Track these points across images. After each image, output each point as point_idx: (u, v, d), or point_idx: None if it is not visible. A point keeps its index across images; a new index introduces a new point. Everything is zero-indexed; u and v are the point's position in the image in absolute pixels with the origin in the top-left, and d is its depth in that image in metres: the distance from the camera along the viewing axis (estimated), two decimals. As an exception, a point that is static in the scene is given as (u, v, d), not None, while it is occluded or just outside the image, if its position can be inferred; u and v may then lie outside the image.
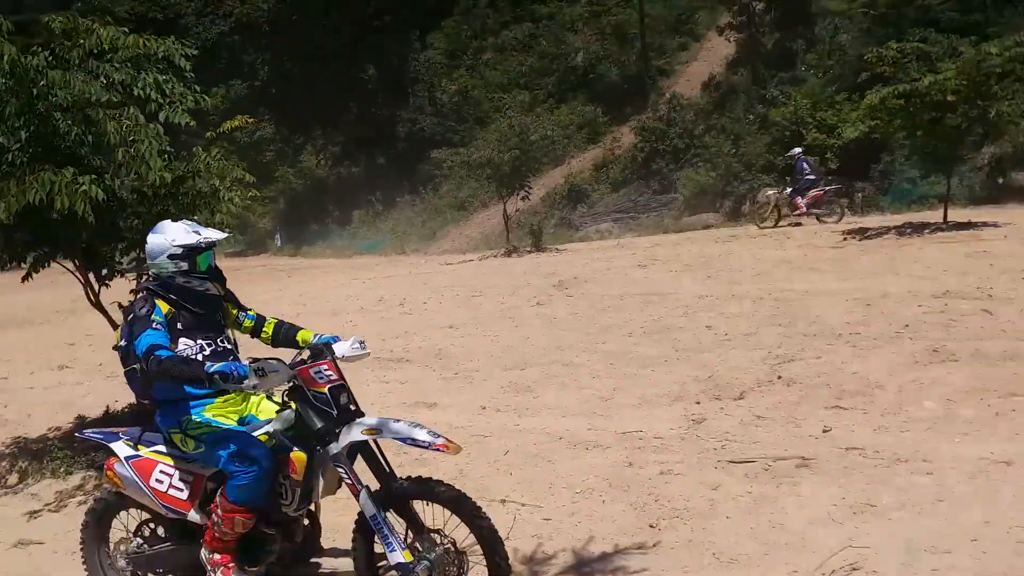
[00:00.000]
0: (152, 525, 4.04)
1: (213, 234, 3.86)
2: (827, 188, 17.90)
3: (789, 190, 17.73)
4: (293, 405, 3.62)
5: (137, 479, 3.78)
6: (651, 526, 4.42)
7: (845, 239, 14.12)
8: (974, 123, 13.75)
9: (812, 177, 17.77)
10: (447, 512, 3.47)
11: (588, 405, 6.70)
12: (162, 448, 3.83)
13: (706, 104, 26.98)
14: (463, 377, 8.09)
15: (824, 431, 5.49)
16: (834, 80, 23.00)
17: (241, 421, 3.75)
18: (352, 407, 3.60)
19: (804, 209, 17.50)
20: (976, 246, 11.78)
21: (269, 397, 3.91)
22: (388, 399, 7.52)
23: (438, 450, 3.42)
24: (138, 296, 3.79)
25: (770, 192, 18.31)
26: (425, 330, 10.55)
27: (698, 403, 6.41)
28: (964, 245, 12.03)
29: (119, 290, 6.17)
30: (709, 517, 4.45)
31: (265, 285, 18.67)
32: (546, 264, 16.34)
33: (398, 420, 3.54)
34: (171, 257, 3.73)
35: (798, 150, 18.67)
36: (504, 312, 11.28)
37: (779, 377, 6.77)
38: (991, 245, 11.70)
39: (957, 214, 14.89)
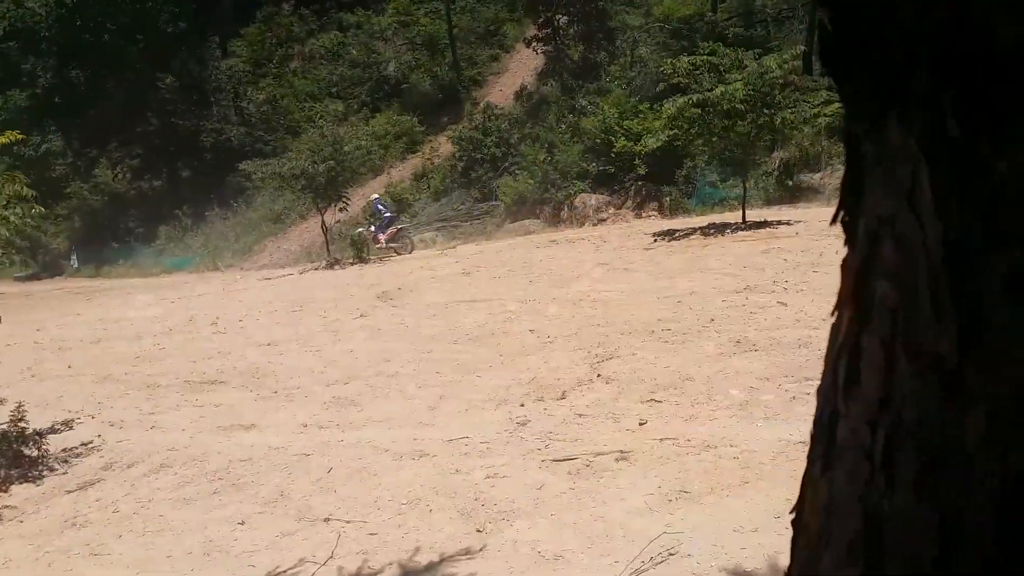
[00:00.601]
0: None
1: None
2: (400, 226, 20.82)
3: (373, 228, 20.31)
4: None
5: None
6: (478, 530, 4.41)
7: (655, 241, 14.83)
8: (762, 130, 14.90)
9: (390, 215, 20.69)
10: None
11: (414, 415, 6.63)
12: None
13: (520, 114, 27.53)
14: (283, 396, 7.78)
15: (640, 424, 5.71)
16: (637, 91, 24.08)
17: None
18: None
19: (383, 244, 20.10)
20: (771, 243, 12.62)
21: None
22: (201, 423, 7.11)
23: None
24: None
25: (360, 230, 20.81)
26: (241, 349, 10.06)
27: (522, 405, 6.49)
28: (761, 243, 12.86)
29: None
30: (534, 516, 4.50)
31: (60, 310, 17.18)
32: (370, 275, 16.09)
33: None
34: None
35: (375, 196, 21.89)
36: (326, 326, 10.97)
37: (598, 375, 6.99)
38: (784, 242, 12.58)
39: (755, 214, 16.02)
